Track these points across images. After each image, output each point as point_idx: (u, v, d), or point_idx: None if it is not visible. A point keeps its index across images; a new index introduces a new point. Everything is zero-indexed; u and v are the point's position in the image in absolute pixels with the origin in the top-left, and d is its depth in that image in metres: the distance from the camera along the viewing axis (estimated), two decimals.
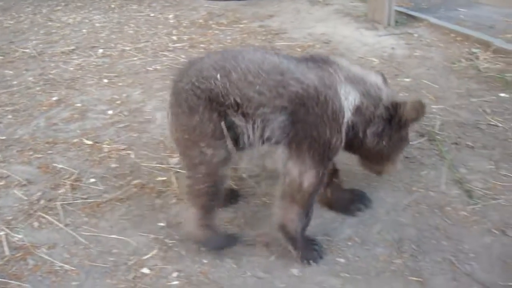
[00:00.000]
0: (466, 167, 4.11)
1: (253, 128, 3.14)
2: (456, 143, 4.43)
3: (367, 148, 3.38)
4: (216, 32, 7.46)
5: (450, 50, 6.40)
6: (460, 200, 3.76)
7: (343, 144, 3.22)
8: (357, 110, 3.23)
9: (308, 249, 3.31)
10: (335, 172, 3.64)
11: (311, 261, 3.27)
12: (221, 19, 8.05)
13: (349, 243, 3.43)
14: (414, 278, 3.12)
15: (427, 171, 4.09)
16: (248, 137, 3.17)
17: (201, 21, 8.00)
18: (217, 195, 3.26)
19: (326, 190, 3.65)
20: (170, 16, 8.33)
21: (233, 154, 3.19)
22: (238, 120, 3.12)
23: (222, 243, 3.38)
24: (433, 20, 7.27)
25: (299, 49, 6.60)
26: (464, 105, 5.07)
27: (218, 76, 3.08)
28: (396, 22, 7.42)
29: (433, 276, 3.13)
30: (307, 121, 3.09)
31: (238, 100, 3.07)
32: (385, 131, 3.33)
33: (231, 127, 3.13)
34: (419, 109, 3.27)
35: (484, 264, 3.21)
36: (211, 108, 3.08)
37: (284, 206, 3.24)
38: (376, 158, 3.51)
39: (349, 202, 3.71)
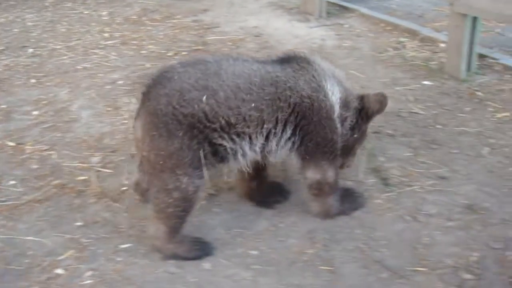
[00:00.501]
0: (385, 155, 4.18)
1: (251, 144, 3.13)
2: (377, 132, 4.48)
3: (343, 141, 3.46)
4: (149, 28, 7.39)
5: (379, 40, 6.47)
6: (376, 188, 3.82)
7: (340, 136, 3.37)
8: (344, 102, 3.36)
9: (353, 205, 3.57)
10: (264, 165, 3.60)
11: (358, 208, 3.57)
12: (155, 14, 7.98)
13: (264, 235, 3.44)
14: (325, 267, 3.16)
15: None
16: (243, 154, 3.16)
17: (134, 17, 7.91)
18: (188, 217, 3.22)
19: (251, 182, 3.65)
20: (104, 13, 8.21)
21: (207, 181, 3.18)
22: (226, 142, 3.09)
23: (195, 255, 3.27)
24: (364, 10, 7.34)
25: (230, 43, 6.60)
26: (388, 94, 5.04)
27: (204, 98, 3.00)
28: (328, 13, 7.46)
29: (343, 265, 3.17)
30: (310, 131, 3.22)
31: (232, 120, 3.03)
32: (357, 123, 3.47)
33: (214, 151, 3.11)
34: (382, 101, 3.46)
35: (394, 250, 3.26)
36: (192, 135, 3.01)
37: (321, 202, 3.45)
38: (344, 152, 3.55)
39: (269, 194, 3.71)
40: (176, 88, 3.03)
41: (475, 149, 4.22)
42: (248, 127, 3.08)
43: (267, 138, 3.17)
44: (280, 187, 3.79)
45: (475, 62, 5.44)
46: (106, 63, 6.27)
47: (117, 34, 7.24)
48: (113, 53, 6.56)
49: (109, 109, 5.11)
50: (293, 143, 3.26)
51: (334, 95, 3.31)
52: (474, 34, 5.26)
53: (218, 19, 7.57)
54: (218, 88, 3.02)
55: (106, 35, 7.25)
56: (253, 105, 3.06)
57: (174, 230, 3.21)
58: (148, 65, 6.10)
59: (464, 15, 5.13)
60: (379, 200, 3.68)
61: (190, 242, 3.29)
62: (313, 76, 3.27)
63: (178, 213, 3.14)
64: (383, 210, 3.59)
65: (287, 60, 3.38)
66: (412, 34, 6.44)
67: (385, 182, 3.86)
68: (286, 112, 3.16)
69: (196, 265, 3.22)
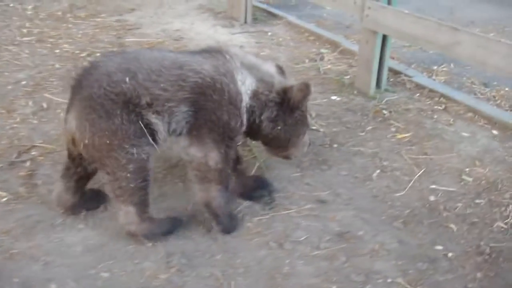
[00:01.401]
0: (272, 174, 4.03)
1: (163, 123, 3.24)
2: None
3: (265, 133, 3.56)
4: (70, 26, 7.17)
5: (299, 50, 6.36)
6: (251, 210, 3.67)
7: (244, 127, 3.41)
8: (254, 94, 3.41)
9: (229, 221, 3.48)
10: (238, 159, 3.70)
11: (231, 232, 3.45)
12: (81, 11, 7.76)
13: (121, 256, 3.26)
14: None
15: None
16: (161, 133, 3.27)
17: (59, 13, 7.68)
18: (148, 187, 3.29)
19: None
20: (30, 7, 7.95)
21: (154, 146, 3.26)
22: (153, 118, 3.20)
23: (169, 228, 3.40)
24: (290, 18, 7.24)
25: (147, 46, 6.41)
26: None
27: (127, 79, 3.12)
28: (256, 19, 7.35)
29: None
30: (206, 108, 3.25)
31: (148, 100, 3.15)
32: (279, 115, 3.50)
33: (147, 125, 3.19)
34: (304, 90, 3.46)
35: (250, 279, 3.11)
36: (129, 110, 3.12)
37: (202, 188, 3.39)
38: (277, 143, 3.65)
39: (253, 189, 3.80)
40: (104, 72, 3.17)
41: (365, 172, 4.10)
42: (158, 105, 3.19)
43: (170, 116, 3.25)
44: (263, 182, 3.89)
45: (386, 79, 5.33)
46: (16, 61, 6.03)
47: (36, 31, 7.00)
48: (26, 51, 6.32)
49: (2, 111, 4.89)
50: (186, 120, 3.30)
51: (244, 86, 3.39)
52: (385, 51, 5.15)
53: (142, 20, 7.39)
54: (137, 71, 3.17)
55: (25, 30, 7.01)
56: (161, 85, 3.18)
57: (142, 205, 3.29)
58: (57, 65, 5.90)
59: (374, 32, 5.02)
60: (249, 224, 3.53)
61: (160, 219, 3.42)
62: (223, 63, 3.37)
63: (140, 184, 3.21)
64: (252, 234, 3.44)
65: (202, 50, 3.54)
66: (334, 45, 6.36)
67: (261, 204, 3.70)
68: (187, 91, 3.24)
69: (42, 285, 3.04)
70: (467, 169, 4.17)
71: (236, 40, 6.65)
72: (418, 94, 5.30)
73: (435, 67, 5.99)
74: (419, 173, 4.10)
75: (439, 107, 5.06)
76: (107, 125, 3.10)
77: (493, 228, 3.57)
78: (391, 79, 5.53)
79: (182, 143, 3.37)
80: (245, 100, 3.38)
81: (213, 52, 3.45)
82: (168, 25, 7.17)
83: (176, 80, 3.22)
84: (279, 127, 3.53)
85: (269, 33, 6.90)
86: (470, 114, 4.95)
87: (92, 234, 3.44)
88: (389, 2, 4.94)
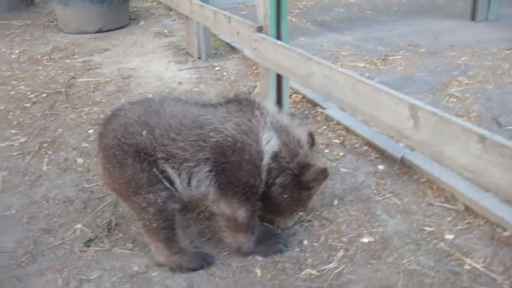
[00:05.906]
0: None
1: (180, 179, 3.31)
2: None
3: (270, 195, 3.48)
4: (40, 68, 7.42)
5: (236, 84, 6.32)
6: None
7: (262, 184, 3.39)
8: (275, 156, 3.37)
9: (269, 249, 3.56)
10: None
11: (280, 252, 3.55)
12: (60, 53, 8.03)
13: None
14: None
15: None
16: (178, 185, 3.34)
17: (39, 56, 7.98)
18: (174, 225, 3.39)
19: None
20: (17, 51, 8.33)
21: (172, 189, 3.32)
22: (168, 169, 3.27)
23: (198, 264, 3.44)
24: (246, 52, 7.19)
25: (92, 86, 6.57)
26: None
27: (144, 132, 3.23)
28: (216, 53, 7.37)
29: None
30: (227, 168, 3.26)
31: (164, 155, 3.24)
32: (289, 185, 3.46)
33: (163, 172, 3.28)
34: (319, 176, 3.45)
35: None
36: (141, 159, 3.23)
37: (232, 236, 3.49)
38: (272, 208, 3.60)
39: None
40: (121, 123, 3.30)
41: None
42: (175, 163, 3.25)
43: (189, 175, 3.31)
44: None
45: None
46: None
47: (6, 74, 7.30)
48: None
49: None
50: (211, 179, 3.33)
51: (268, 145, 3.34)
52: (282, 85, 5.01)
53: (106, 60, 7.57)
54: (155, 126, 3.24)
55: None
56: (180, 144, 3.23)
57: (169, 240, 3.39)
58: (2, 107, 6.12)
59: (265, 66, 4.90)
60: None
61: (191, 253, 3.48)
62: (249, 120, 3.33)
63: (162, 224, 3.32)
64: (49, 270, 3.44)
65: (233, 100, 3.50)
66: None
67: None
68: (207, 152, 3.26)
69: None
70: None
71: (180, 76, 6.67)
72: (324, 127, 5.12)
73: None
74: None
75: (337, 141, 4.87)
76: (121, 174, 3.24)
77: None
78: (306, 111, 5.37)
79: (210, 197, 3.41)
80: (266, 159, 3.34)
81: (244, 103, 3.44)
82: (126, 64, 7.30)
83: (196, 140, 3.25)
84: (285, 196, 3.49)
85: (217, 68, 6.88)
86: (365, 148, 4.73)
87: None
88: (278, 35, 4.79)
